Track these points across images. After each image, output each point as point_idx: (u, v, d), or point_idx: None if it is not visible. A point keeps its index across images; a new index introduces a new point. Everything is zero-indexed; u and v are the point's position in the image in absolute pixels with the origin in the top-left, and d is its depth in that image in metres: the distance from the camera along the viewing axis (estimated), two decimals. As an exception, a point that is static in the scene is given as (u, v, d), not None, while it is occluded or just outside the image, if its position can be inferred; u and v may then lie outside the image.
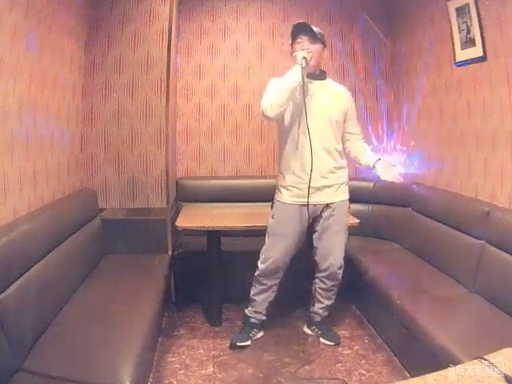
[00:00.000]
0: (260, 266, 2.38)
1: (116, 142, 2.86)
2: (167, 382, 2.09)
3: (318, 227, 2.35)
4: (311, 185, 2.20)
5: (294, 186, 2.29)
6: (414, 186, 3.01)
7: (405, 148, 3.39)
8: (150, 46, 2.84)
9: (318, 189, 2.25)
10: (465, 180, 2.60)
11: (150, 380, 2.03)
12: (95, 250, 2.59)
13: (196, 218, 2.69)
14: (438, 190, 2.84)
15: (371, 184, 3.30)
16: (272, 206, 2.39)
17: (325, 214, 2.32)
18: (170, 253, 2.88)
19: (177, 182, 3.34)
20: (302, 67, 2.11)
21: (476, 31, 2.38)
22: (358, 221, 2.57)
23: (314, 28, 2.20)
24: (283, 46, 3.26)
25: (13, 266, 1.57)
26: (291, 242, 2.33)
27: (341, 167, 2.33)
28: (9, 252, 1.55)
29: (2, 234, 1.57)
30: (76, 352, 1.59)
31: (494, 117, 2.30)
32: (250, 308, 2.48)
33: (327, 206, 2.31)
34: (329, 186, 2.28)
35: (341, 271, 2.40)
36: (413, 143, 3.27)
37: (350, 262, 2.78)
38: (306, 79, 2.13)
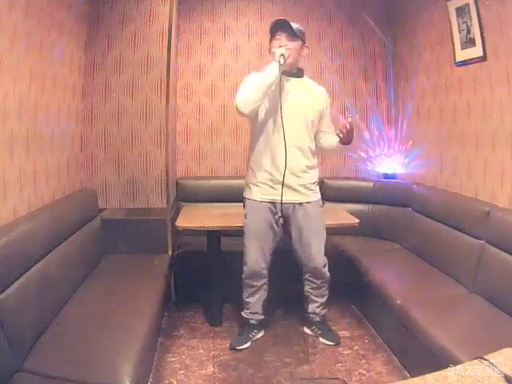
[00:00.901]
0: (244, 268, 2.37)
1: (116, 142, 2.86)
2: (167, 382, 2.09)
3: (295, 230, 2.33)
4: (284, 183, 2.20)
5: (265, 184, 2.27)
6: (414, 185, 3.01)
7: (405, 147, 3.40)
8: (150, 46, 2.84)
9: (290, 187, 2.23)
10: (465, 180, 2.60)
11: (150, 380, 2.03)
12: (95, 250, 2.59)
13: (196, 217, 2.69)
14: (437, 189, 2.84)
15: (371, 184, 3.31)
16: (244, 205, 2.37)
17: (299, 216, 2.30)
18: (170, 253, 2.88)
19: (177, 182, 3.34)
20: (280, 64, 2.08)
21: (476, 31, 2.38)
22: (358, 221, 2.57)
23: (294, 25, 2.15)
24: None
25: (13, 266, 1.57)
26: (267, 240, 2.32)
27: (313, 167, 2.32)
28: (9, 252, 1.54)
29: (2, 234, 1.57)
30: (76, 352, 1.58)
31: (494, 117, 2.30)
32: (245, 310, 2.47)
33: (300, 205, 2.29)
34: (301, 186, 2.27)
35: (326, 268, 2.39)
36: (411, 142, 3.28)
37: (350, 261, 2.79)
38: (282, 76, 2.12)
